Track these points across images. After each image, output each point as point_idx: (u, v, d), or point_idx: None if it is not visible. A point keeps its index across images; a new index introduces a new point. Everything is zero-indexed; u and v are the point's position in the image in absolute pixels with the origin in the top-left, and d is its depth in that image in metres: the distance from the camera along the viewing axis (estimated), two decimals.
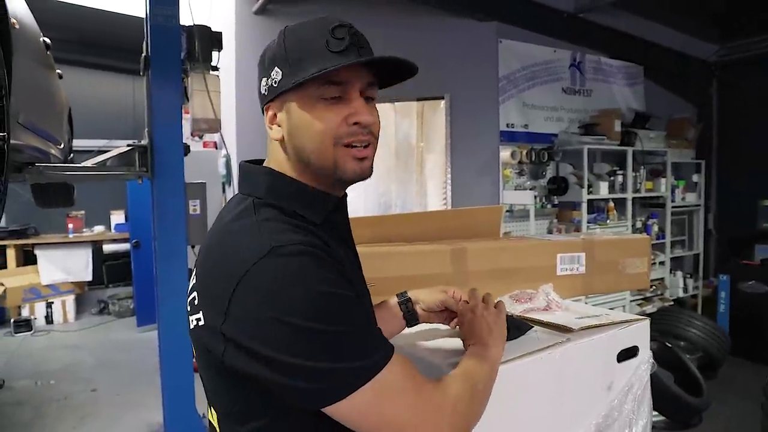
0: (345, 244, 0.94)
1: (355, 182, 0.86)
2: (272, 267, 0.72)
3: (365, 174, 0.85)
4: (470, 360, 0.93)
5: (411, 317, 1.12)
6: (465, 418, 0.81)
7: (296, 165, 0.85)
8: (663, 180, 5.23)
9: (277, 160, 0.88)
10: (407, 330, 1.15)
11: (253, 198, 0.84)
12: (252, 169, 0.90)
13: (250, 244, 0.75)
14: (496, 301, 1.05)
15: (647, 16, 5.10)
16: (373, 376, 0.71)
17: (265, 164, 0.90)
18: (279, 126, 0.85)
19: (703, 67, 5.90)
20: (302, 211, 0.83)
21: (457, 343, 1.07)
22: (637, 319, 1.27)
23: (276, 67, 0.82)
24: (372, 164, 0.87)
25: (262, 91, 0.86)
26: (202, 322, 0.77)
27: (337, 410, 0.72)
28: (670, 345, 3.76)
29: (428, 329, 1.20)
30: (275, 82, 0.82)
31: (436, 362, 1.05)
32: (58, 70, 3.02)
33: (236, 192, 0.92)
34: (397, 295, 1.13)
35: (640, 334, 1.27)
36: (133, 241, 5.80)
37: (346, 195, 0.94)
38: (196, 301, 0.79)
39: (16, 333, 5.67)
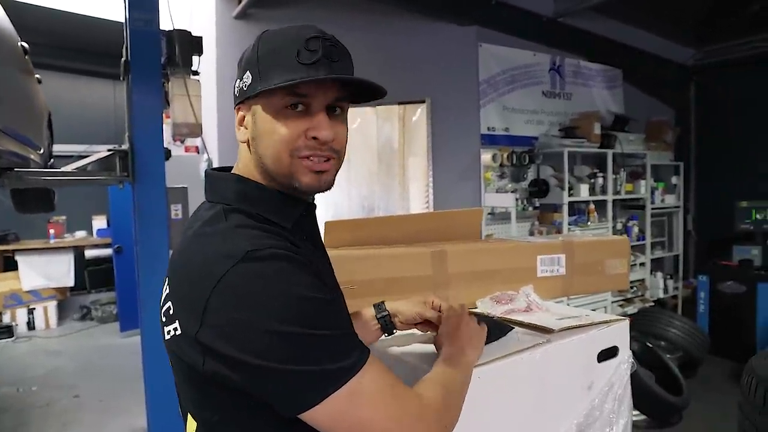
0: (315, 248, 0.94)
1: (313, 194, 0.88)
2: (248, 271, 0.71)
3: (322, 187, 0.85)
4: (445, 364, 0.92)
5: (388, 330, 1.12)
6: (440, 425, 0.81)
7: (260, 169, 0.86)
8: (642, 182, 5.30)
9: (245, 164, 0.88)
10: None
11: (222, 205, 0.84)
12: (218, 176, 0.90)
13: (223, 250, 0.74)
14: (480, 321, 1.06)
15: (626, 20, 5.18)
16: (348, 380, 0.71)
17: (234, 169, 0.90)
18: (245, 128, 0.86)
19: (681, 71, 6.00)
20: (272, 216, 0.83)
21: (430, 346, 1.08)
22: (617, 320, 1.29)
23: (248, 71, 0.83)
24: (332, 178, 0.86)
25: (235, 92, 0.87)
26: (179, 332, 0.76)
27: (314, 416, 0.71)
28: (650, 345, 3.82)
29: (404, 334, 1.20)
30: (245, 86, 0.83)
31: (414, 363, 1.06)
32: (37, 75, 2.99)
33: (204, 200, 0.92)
34: (374, 306, 1.13)
35: (619, 334, 1.28)
36: (116, 246, 5.74)
37: (314, 199, 0.94)
38: (171, 311, 0.78)
39: None
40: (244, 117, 0.86)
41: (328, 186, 0.86)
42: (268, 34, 0.83)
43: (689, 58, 5.95)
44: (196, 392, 0.81)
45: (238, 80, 0.85)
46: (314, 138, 0.81)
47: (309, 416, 0.71)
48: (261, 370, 0.69)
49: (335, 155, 0.85)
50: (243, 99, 0.85)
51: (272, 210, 0.84)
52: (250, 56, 0.83)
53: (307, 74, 0.78)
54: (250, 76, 0.82)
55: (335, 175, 0.87)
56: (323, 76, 0.78)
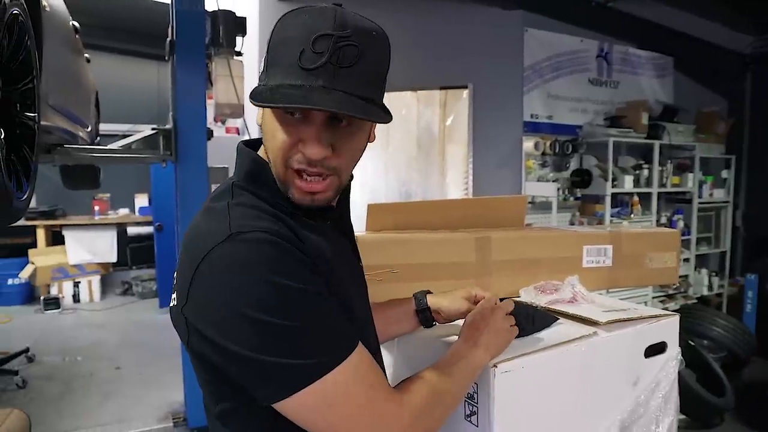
0: (338, 233, 0.91)
1: (307, 209, 0.80)
2: (229, 252, 0.70)
3: (315, 205, 0.79)
4: (447, 363, 0.88)
5: (427, 324, 1.11)
6: (420, 430, 0.78)
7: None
8: (690, 175, 5.12)
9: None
10: None
11: (233, 180, 0.83)
12: (242, 151, 0.87)
13: (215, 228, 0.73)
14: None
15: (678, 5, 4.96)
16: (318, 378, 0.69)
17: (260, 148, 0.86)
18: (263, 112, 0.81)
19: (737, 59, 5.72)
20: (279, 200, 0.80)
21: None
22: (667, 315, 1.24)
23: (264, 58, 0.77)
24: (329, 196, 0.80)
25: None
26: (175, 303, 0.77)
27: (284, 408, 0.70)
28: (693, 343, 3.71)
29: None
30: (260, 72, 0.78)
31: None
32: (86, 54, 3.05)
33: None
34: (415, 298, 1.11)
35: (669, 329, 1.23)
36: (156, 224, 5.87)
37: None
38: (175, 281, 0.79)
39: (45, 310, 5.83)
40: None
41: (324, 203, 0.80)
42: (284, 19, 0.75)
43: (746, 46, 5.67)
44: (193, 361, 0.81)
45: (262, 62, 0.80)
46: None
47: (279, 407, 0.71)
48: (235, 356, 0.68)
49: (329, 173, 0.77)
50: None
51: (280, 194, 0.80)
52: (267, 41, 0.76)
53: (304, 81, 0.70)
54: (263, 64, 0.77)
55: (335, 191, 0.81)
56: (283, 104, 0.71)
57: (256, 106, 0.74)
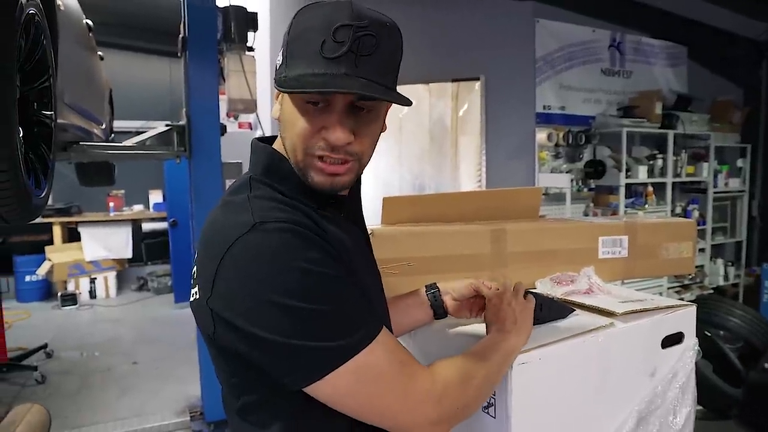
0: (352, 225, 0.92)
1: (327, 192, 0.82)
2: (253, 243, 0.71)
3: (335, 188, 0.81)
4: (480, 349, 0.89)
5: (438, 308, 1.11)
6: (453, 408, 0.79)
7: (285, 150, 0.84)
8: (705, 165, 5.08)
9: (281, 139, 0.86)
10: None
11: (251, 175, 0.85)
12: (257, 146, 0.88)
13: (236, 220, 0.75)
14: (525, 293, 1.02)
15: None
16: (349, 358, 0.70)
17: (275, 142, 0.88)
18: (279, 106, 0.83)
19: (752, 47, 5.64)
20: (297, 194, 0.82)
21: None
22: (683, 305, 1.23)
23: (281, 51, 0.78)
24: (348, 179, 0.81)
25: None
26: (197, 297, 0.78)
27: (316, 391, 0.71)
28: (709, 333, 3.68)
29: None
30: (277, 66, 0.80)
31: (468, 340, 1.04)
32: (100, 53, 3.08)
33: None
34: (425, 286, 1.13)
35: (685, 320, 1.22)
36: (171, 220, 5.91)
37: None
38: (195, 275, 0.80)
39: (63, 306, 5.92)
40: (279, 94, 0.83)
41: (342, 187, 0.82)
42: (302, 12, 0.77)
43: (762, 33, 5.58)
44: (214, 355, 0.82)
45: (278, 55, 0.81)
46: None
47: (312, 391, 0.72)
48: (264, 342, 0.70)
49: (352, 158, 0.79)
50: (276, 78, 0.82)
51: (298, 188, 0.82)
52: (285, 34, 0.78)
53: (327, 69, 0.72)
54: (281, 58, 0.78)
55: (354, 176, 0.83)
56: (316, 90, 0.73)
57: (285, 92, 0.76)
